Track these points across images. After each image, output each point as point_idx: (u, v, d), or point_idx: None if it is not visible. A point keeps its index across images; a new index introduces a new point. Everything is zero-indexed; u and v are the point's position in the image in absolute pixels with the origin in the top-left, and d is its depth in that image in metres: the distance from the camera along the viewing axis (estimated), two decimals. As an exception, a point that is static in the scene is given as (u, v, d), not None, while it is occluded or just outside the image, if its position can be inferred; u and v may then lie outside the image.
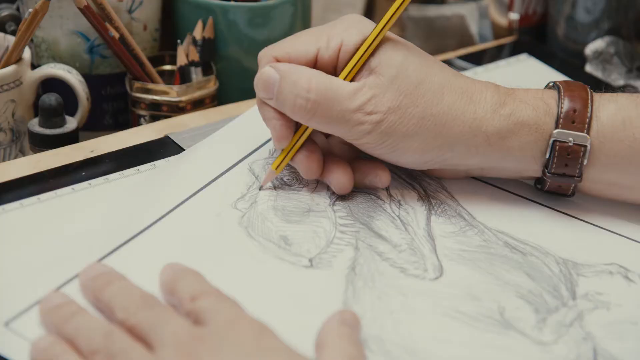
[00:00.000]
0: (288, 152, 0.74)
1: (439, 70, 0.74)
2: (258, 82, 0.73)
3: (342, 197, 0.76)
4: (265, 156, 0.79)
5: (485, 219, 0.75)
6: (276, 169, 0.75)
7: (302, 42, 0.74)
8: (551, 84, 0.76)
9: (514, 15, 1.05)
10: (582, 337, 0.66)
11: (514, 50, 1.02)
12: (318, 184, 0.77)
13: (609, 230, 0.75)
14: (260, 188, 0.76)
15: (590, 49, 1.00)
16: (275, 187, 0.76)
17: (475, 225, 0.75)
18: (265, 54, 0.74)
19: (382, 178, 0.76)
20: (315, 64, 0.73)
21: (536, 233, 0.74)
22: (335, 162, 0.75)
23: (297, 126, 0.74)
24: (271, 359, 0.58)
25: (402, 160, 0.74)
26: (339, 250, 0.71)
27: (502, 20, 1.07)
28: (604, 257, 0.73)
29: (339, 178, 0.75)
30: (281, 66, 0.72)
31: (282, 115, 0.73)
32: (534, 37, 1.06)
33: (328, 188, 0.76)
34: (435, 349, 0.64)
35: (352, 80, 0.72)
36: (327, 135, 0.77)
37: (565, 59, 1.01)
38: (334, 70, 0.74)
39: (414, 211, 0.75)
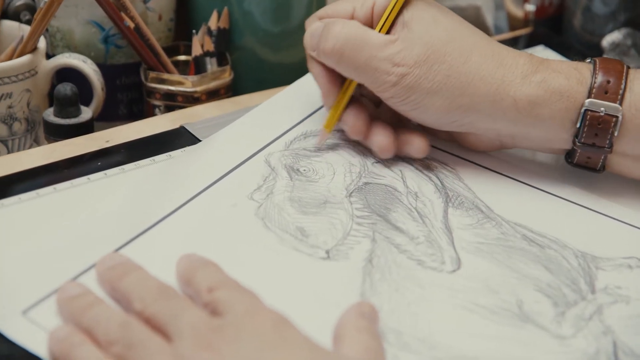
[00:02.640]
0: (336, 110, 0.77)
1: (472, 33, 0.75)
2: (306, 36, 0.78)
3: (359, 189, 0.75)
4: (282, 148, 0.78)
5: (502, 211, 0.75)
6: (327, 127, 0.78)
7: (341, 3, 0.78)
8: (588, 60, 0.76)
9: (530, 7, 1.05)
10: (602, 331, 0.65)
11: (530, 41, 1.02)
12: (335, 175, 0.76)
13: (628, 224, 0.75)
14: (316, 148, 0.78)
15: (607, 40, 1.00)
16: (291, 179, 0.76)
17: (492, 217, 0.74)
18: (311, 17, 0.79)
19: (415, 146, 0.77)
20: None
21: (554, 226, 0.74)
22: (380, 126, 0.77)
23: (342, 84, 0.77)
24: (290, 350, 0.57)
25: (427, 118, 0.75)
26: (356, 242, 0.71)
27: (518, 12, 1.06)
28: (623, 250, 0.72)
29: (381, 140, 0.76)
30: (327, 20, 0.77)
31: (327, 70, 0.77)
32: (550, 29, 1.05)
33: (344, 179, 0.76)
34: (452, 341, 0.64)
35: (386, 33, 0.75)
36: (378, 105, 0.79)
37: (582, 50, 1.01)
38: (370, 27, 0.76)
39: (431, 203, 0.75)
